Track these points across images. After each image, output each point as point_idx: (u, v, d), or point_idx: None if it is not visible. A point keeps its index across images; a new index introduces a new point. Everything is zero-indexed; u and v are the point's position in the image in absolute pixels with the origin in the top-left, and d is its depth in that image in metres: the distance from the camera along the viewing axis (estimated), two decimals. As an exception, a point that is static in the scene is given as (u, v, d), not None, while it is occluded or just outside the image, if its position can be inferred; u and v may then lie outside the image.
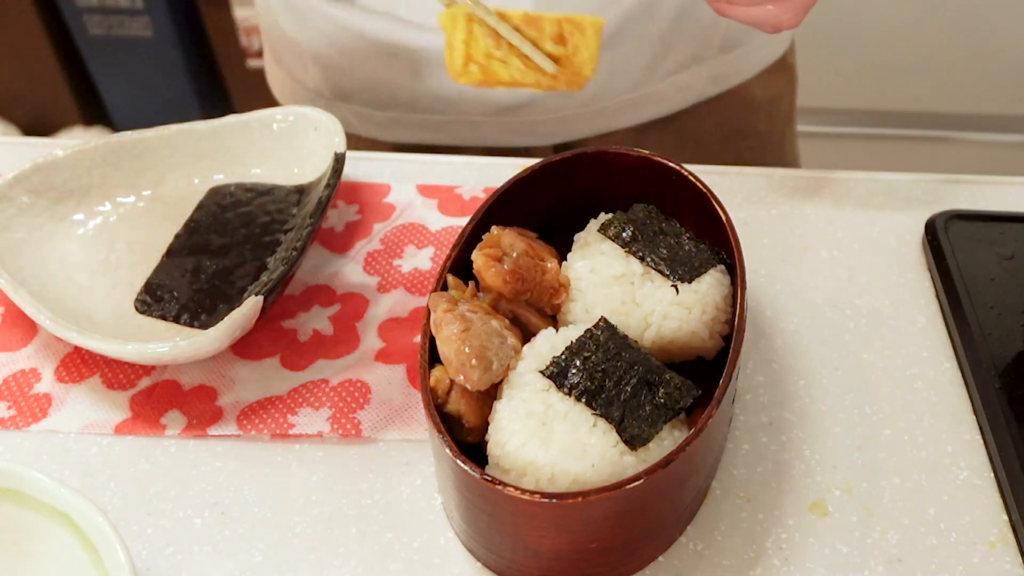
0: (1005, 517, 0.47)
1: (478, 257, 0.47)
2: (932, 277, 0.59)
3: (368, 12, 0.71)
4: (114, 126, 1.88)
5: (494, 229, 0.49)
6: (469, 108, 0.75)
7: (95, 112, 1.87)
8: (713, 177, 0.65)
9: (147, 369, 0.55)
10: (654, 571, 0.46)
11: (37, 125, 1.85)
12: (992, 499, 0.48)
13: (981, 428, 0.51)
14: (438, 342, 0.44)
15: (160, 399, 0.53)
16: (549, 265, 0.49)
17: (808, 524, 0.47)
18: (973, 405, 0.52)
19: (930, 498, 0.48)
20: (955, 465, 0.50)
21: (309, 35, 0.75)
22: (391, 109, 0.77)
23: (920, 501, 0.48)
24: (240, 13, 1.67)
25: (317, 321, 0.57)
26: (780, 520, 0.47)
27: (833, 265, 0.60)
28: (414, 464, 0.50)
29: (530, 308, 0.48)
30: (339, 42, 0.73)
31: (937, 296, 0.58)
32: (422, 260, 0.61)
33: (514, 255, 0.48)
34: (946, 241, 0.59)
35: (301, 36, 0.76)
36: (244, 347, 0.56)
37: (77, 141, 0.63)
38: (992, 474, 0.49)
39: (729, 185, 0.66)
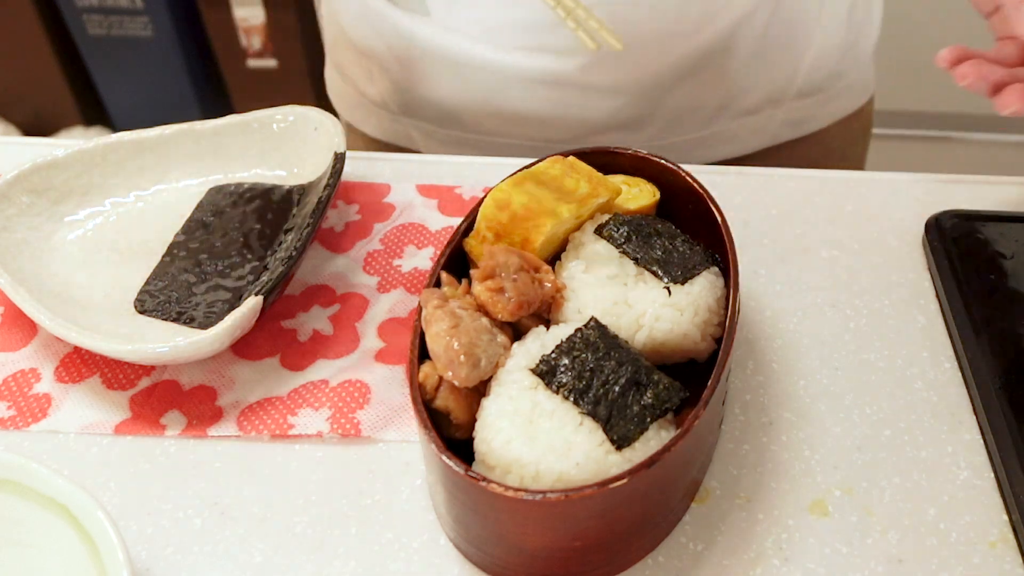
0: (1005, 517, 0.47)
1: (482, 292, 0.46)
2: (932, 277, 0.59)
3: (441, 27, 0.70)
4: (114, 126, 1.88)
5: (485, 252, 0.47)
6: (534, 133, 0.73)
7: (95, 112, 1.87)
8: (713, 177, 0.65)
9: (147, 369, 0.55)
10: (655, 571, 0.46)
11: (37, 125, 1.86)
12: (992, 499, 0.48)
13: (981, 428, 0.51)
14: (427, 338, 0.44)
15: (160, 399, 0.53)
16: (547, 278, 0.48)
17: (808, 524, 0.47)
18: (973, 405, 0.52)
19: (930, 498, 0.48)
20: (955, 465, 0.50)
21: (379, 46, 0.74)
22: (455, 127, 0.75)
23: (920, 501, 0.48)
24: (240, 13, 1.67)
25: (317, 321, 0.57)
26: (780, 520, 0.47)
27: (833, 265, 0.60)
28: (413, 464, 0.50)
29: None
30: (409, 55, 0.72)
31: (937, 296, 0.58)
32: (422, 260, 0.61)
33: (512, 276, 0.47)
34: (946, 241, 0.59)
35: (371, 47, 0.75)
36: (244, 347, 0.56)
37: (77, 141, 0.63)
38: (992, 474, 0.49)
39: (729, 185, 0.66)
